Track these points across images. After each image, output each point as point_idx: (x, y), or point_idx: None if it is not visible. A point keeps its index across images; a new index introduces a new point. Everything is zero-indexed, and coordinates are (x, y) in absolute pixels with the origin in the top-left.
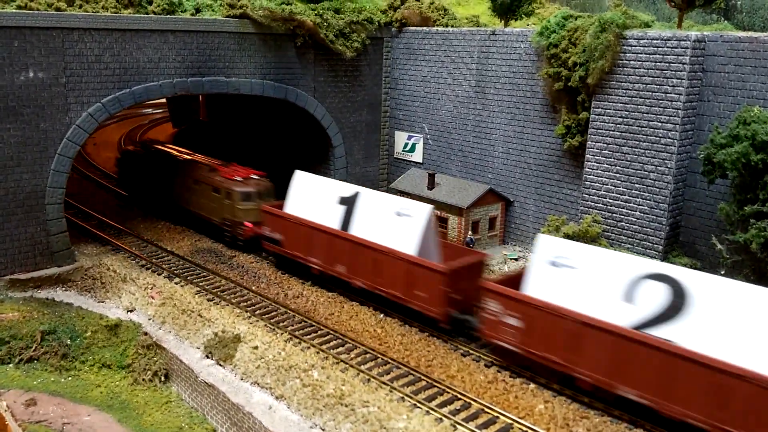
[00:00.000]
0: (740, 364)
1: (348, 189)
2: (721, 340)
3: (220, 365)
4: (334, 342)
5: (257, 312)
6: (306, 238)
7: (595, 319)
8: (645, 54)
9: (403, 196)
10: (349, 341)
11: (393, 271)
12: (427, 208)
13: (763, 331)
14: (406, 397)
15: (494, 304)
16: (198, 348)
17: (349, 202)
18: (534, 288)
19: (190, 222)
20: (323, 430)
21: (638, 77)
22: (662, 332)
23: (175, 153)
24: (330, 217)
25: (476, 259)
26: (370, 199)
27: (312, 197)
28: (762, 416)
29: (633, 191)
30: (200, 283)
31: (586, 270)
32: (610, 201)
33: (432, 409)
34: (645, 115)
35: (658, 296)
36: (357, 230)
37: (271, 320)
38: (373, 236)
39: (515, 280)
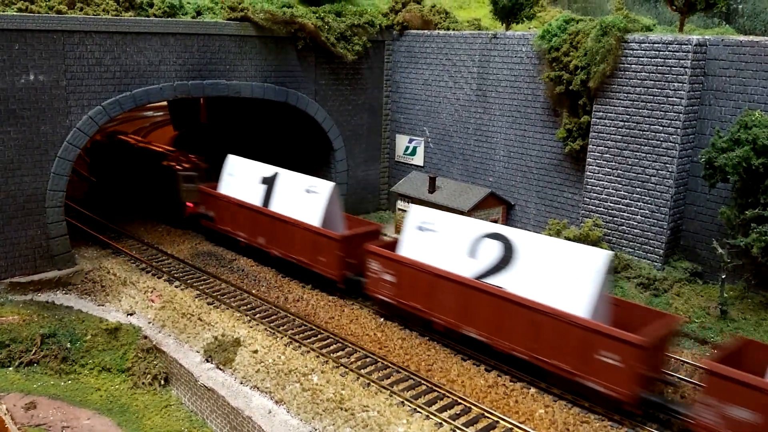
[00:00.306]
0: (548, 303)
1: (269, 170)
2: (537, 285)
3: (220, 369)
4: (334, 346)
5: (257, 316)
6: (234, 214)
7: (446, 271)
8: (646, 58)
9: (405, 199)
10: (349, 345)
11: (301, 240)
12: (329, 185)
13: (567, 276)
14: (405, 402)
15: (375, 264)
16: (198, 352)
17: (269, 182)
18: (405, 249)
19: (144, 203)
20: None
21: (639, 81)
22: (495, 280)
23: (132, 141)
24: (253, 195)
25: (370, 228)
26: (286, 178)
27: (240, 178)
28: (562, 345)
29: (634, 195)
30: (200, 287)
31: (443, 232)
32: (611, 205)
33: (432, 414)
34: (646, 118)
35: (493, 251)
36: (275, 206)
37: (271, 324)
38: (287, 211)
39: (393, 244)
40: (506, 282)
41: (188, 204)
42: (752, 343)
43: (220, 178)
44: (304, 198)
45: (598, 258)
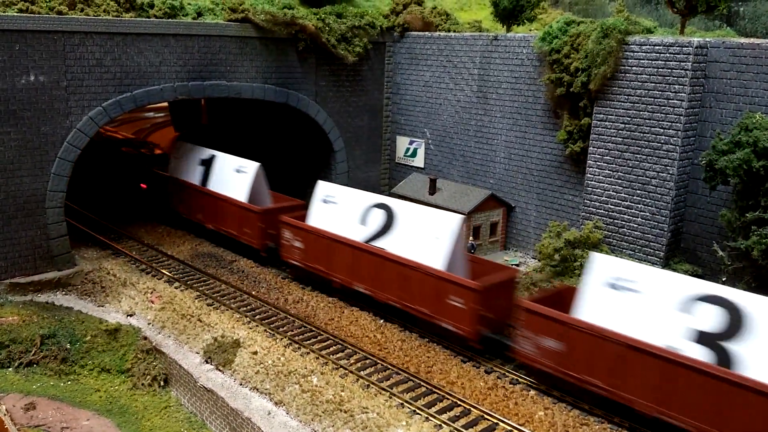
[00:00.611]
0: (415, 259)
1: (206, 153)
2: (417, 250)
3: (220, 370)
4: (334, 347)
5: (257, 317)
6: (177, 192)
7: (341, 236)
8: (647, 60)
9: (405, 201)
10: (349, 347)
11: (231, 214)
12: (255, 165)
13: (429, 236)
14: (405, 404)
15: (287, 233)
16: (197, 353)
17: (207, 164)
18: (312, 219)
19: (109, 184)
20: None
21: (640, 83)
22: (379, 243)
23: (101, 131)
24: (194, 176)
25: (292, 203)
26: (221, 160)
27: (183, 160)
28: (423, 293)
29: (634, 197)
30: (200, 288)
31: (341, 203)
32: (612, 207)
33: (431, 416)
34: (647, 121)
35: (378, 219)
36: (212, 185)
37: (271, 325)
38: (221, 189)
39: (303, 216)
40: (387, 244)
41: (142, 185)
42: (569, 288)
43: (168, 161)
44: (234, 177)
45: (453, 221)
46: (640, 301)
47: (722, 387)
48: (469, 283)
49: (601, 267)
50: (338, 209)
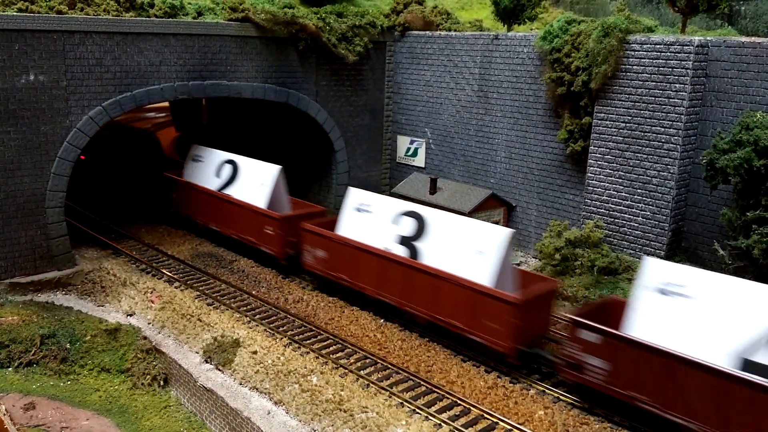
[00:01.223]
0: (247, 201)
1: (123, 127)
2: (249, 194)
3: (219, 370)
4: (334, 347)
5: (257, 317)
6: (106, 160)
7: (200, 186)
8: (648, 59)
9: (406, 200)
10: (349, 346)
11: (134, 173)
12: (149, 133)
13: (258, 183)
14: (405, 403)
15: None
16: (197, 352)
17: (122, 135)
18: (186, 174)
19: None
20: None
21: (641, 82)
22: (229, 191)
23: None
24: (119, 148)
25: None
26: (125, 131)
27: (112, 135)
28: (250, 226)
29: (635, 196)
30: (200, 288)
31: (205, 161)
32: (613, 206)
33: (431, 415)
34: (648, 120)
35: (228, 171)
36: (113, 152)
37: (271, 325)
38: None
39: (181, 172)
40: (233, 191)
41: (81, 156)
42: (335, 217)
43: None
44: (136, 145)
45: (273, 171)
46: (371, 218)
47: (409, 272)
48: (274, 215)
49: (351, 198)
50: (203, 166)
